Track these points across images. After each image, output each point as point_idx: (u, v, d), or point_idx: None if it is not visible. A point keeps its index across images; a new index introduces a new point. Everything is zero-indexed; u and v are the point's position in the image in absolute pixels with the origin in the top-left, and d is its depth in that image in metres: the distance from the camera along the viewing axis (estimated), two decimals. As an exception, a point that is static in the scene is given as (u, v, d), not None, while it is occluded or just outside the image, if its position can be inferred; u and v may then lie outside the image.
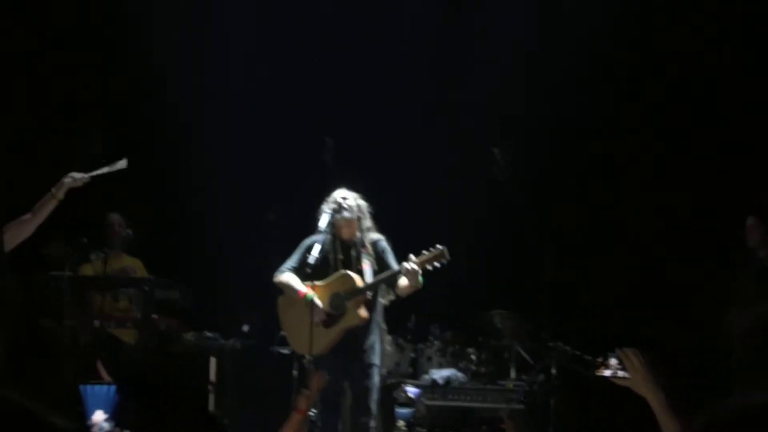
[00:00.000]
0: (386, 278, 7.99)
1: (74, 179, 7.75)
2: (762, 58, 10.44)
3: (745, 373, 8.76)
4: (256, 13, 11.49)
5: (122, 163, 8.05)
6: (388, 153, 10.99)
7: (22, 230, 7.57)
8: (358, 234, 8.15)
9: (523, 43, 11.00)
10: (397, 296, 8.14)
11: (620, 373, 3.82)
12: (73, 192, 7.83)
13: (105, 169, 7.97)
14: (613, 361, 3.85)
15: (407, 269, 7.74)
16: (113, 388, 5.44)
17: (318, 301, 7.99)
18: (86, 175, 7.81)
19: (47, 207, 7.62)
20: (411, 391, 6.38)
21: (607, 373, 3.85)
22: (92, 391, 5.41)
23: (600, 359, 3.86)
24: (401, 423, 4.84)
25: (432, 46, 11.37)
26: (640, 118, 10.99)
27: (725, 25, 10.51)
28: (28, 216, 7.55)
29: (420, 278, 7.80)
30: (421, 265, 7.76)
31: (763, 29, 10.35)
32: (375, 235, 8.22)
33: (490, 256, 10.96)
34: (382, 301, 8.24)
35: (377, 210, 8.28)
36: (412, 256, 7.79)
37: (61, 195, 7.67)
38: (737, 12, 10.50)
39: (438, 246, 7.78)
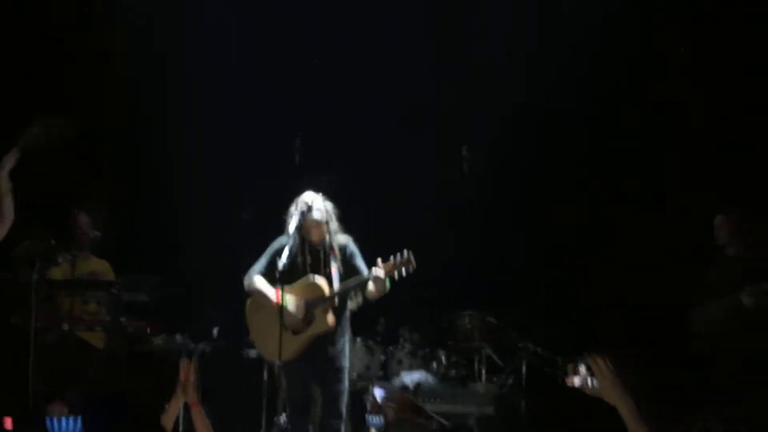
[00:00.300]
0: (354, 285, 7.99)
1: (6, 161, 7.65)
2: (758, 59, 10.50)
3: (720, 364, 8.82)
4: (236, 12, 11.46)
5: (51, 123, 7.91)
6: (358, 152, 10.98)
7: None
8: (326, 237, 8.13)
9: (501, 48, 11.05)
10: (366, 300, 8.14)
11: (589, 380, 3.82)
12: (39, 192, 7.82)
13: (35, 138, 7.83)
14: (582, 368, 3.84)
15: (375, 276, 7.76)
16: (78, 419, 5.37)
17: (292, 307, 7.96)
18: (14, 151, 7.72)
19: (5, 205, 7.67)
20: (377, 392, 6.40)
21: (576, 381, 3.84)
22: (58, 424, 5.34)
23: (570, 365, 3.85)
24: (373, 431, 4.84)
25: (407, 48, 11.35)
26: (613, 122, 11.04)
27: (723, 25, 10.55)
28: None
29: (387, 283, 7.81)
30: (389, 271, 7.77)
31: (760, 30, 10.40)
32: (342, 238, 8.21)
33: (459, 257, 10.95)
34: (351, 305, 8.23)
35: (345, 211, 8.26)
36: (379, 261, 7.80)
37: (7, 185, 7.60)
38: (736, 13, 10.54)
39: (405, 252, 7.78)
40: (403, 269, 7.79)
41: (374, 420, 5.12)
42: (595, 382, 3.82)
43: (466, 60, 11.12)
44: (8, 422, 6.18)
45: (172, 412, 5.71)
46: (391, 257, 7.80)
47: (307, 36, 11.34)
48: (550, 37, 10.81)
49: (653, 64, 10.73)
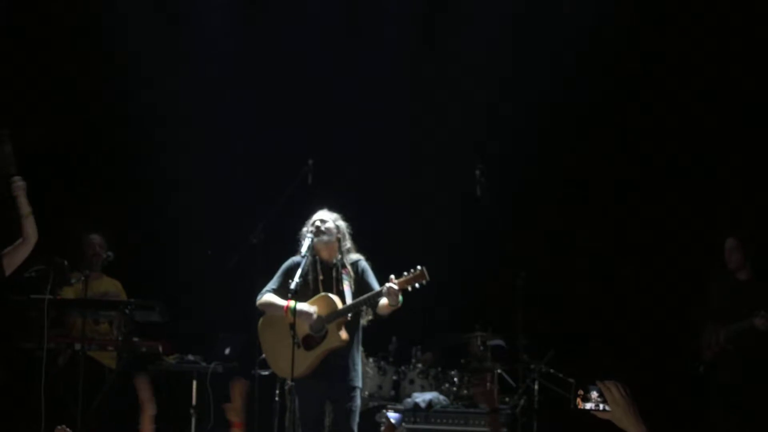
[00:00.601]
0: (367, 299, 7.98)
1: (21, 188, 7.73)
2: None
3: (723, 386, 8.81)
4: (238, 29, 11.50)
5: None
6: (367, 173, 11.00)
7: (18, 254, 7.80)
8: (338, 255, 8.14)
9: (498, 62, 11.07)
10: (377, 316, 8.13)
11: (601, 406, 3.80)
12: (51, 214, 7.89)
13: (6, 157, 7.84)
14: (593, 394, 3.83)
15: (388, 290, 7.76)
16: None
17: (303, 306, 7.94)
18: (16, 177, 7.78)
19: (28, 227, 7.75)
20: (392, 416, 6.37)
21: (588, 406, 3.83)
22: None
23: (580, 391, 3.84)
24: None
25: (407, 68, 11.39)
26: (607, 140, 11.07)
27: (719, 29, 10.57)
28: (20, 241, 7.77)
29: (399, 297, 7.81)
30: (402, 285, 7.77)
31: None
32: (354, 256, 8.21)
33: (469, 278, 10.95)
34: (362, 321, 8.23)
35: (357, 229, 8.28)
36: (392, 277, 7.80)
37: (27, 209, 7.74)
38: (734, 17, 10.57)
39: (418, 267, 7.79)
40: (416, 283, 7.80)
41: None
42: (606, 407, 3.81)
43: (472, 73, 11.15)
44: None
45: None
46: (405, 273, 7.81)
47: (311, 54, 11.36)
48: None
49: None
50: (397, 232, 10.97)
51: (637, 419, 3.78)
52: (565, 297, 10.81)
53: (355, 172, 10.91)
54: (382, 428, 6.24)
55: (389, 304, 7.84)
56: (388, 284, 7.78)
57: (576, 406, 3.82)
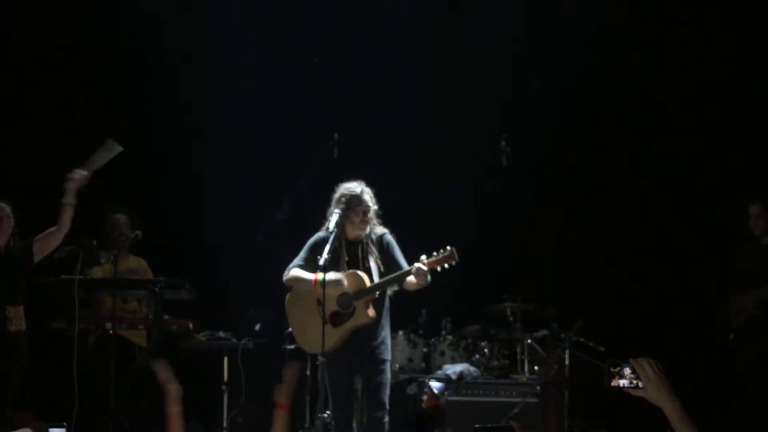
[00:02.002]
0: (395, 278, 7.98)
1: (75, 180, 7.94)
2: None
3: (748, 354, 8.80)
4: (258, 10, 11.46)
5: (115, 147, 8.27)
6: (391, 146, 10.96)
7: (50, 241, 8.23)
8: (367, 229, 8.14)
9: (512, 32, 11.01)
10: (403, 290, 8.14)
11: (634, 383, 3.78)
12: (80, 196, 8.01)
13: (102, 159, 8.19)
14: (627, 371, 3.81)
15: (417, 270, 7.76)
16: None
17: (331, 274, 7.94)
18: (85, 172, 7.96)
19: (66, 217, 8.13)
20: (435, 386, 6.38)
21: (620, 383, 3.81)
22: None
23: (613, 369, 3.82)
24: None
25: (432, 41, 11.33)
26: (637, 110, 11.01)
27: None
28: (53, 228, 8.16)
29: (428, 277, 7.81)
30: (431, 266, 7.77)
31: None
32: (380, 230, 8.21)
33: (496, 248, 10.92)
34: (388, 293, 8.23)
35: (382, 203, 8.27)
36: (423, 258, 7.80)
37: (72, 200, 8.00)
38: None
39: (448, 247, 7.78)
40: (446, 264, 7.80)
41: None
42: (640, 383, 3.78)
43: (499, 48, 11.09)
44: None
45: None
46: (434, 253, 7.80)
47: (335, 27, 11.32)
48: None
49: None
50: (423, 206, 10.94)
51: (670, 395, 3.76)
52: (593, 266, 10.77)
53: (381, 146, 10.86)
54: (425, 398, 6.26)
55: (417, 284, 7.85)
56: (417, 264, 7.79)
57: (609, 384, 3.81)
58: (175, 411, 5.87)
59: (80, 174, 8.17)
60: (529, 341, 10.07)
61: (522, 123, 10.57)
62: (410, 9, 11.35)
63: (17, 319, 8.25)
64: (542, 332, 10.03)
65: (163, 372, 5.92)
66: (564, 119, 11.00)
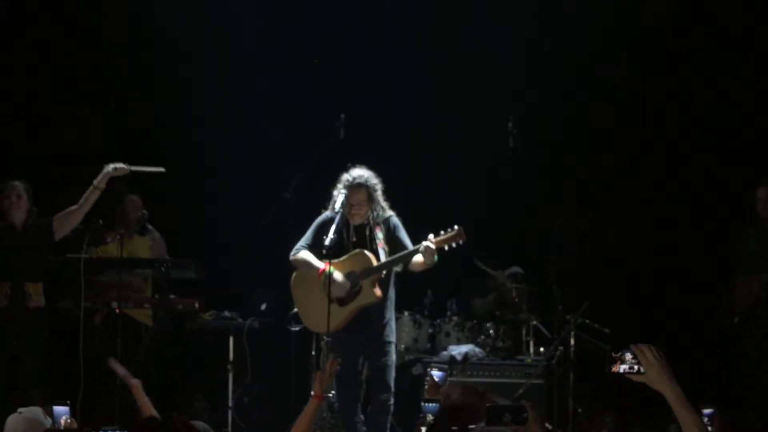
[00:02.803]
0: (402, 257, 8.00)
1: (116, 169, 8.32)
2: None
3: (754, 337, 8.82)
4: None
5: (160, 169, 8.57)
6: (400, 128, 10.95)
7: (69, 220, 8.42)
8: (369, 213, 8.14)
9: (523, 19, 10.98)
10: (408, 271, 8.15)
11: (636, 368, 3.79)
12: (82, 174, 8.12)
13: (146, 168, 8.55)
14: (628, 356, 3.81)
15: (425, 249, 7.76)
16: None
17: (338, 275, 7.97)
18: (127, 167, 8.40)
19: (91, 198, 8.36)
20: (436, 374, 6.36)
21: (621, 369, 3.81)
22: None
23: (615, 354, 3.83)
24: (430, 417, 4.87)
25: (442, 22, 11.30)
26: (643, 95, 10.99)
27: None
28: (74, 207, 8.36)
29: (435, 257, 7.82)
30: (439, 244, 7.78)
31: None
32: (386, 212, 8.22)
33: (503, 229, 10.91)
34: (393, 276, 8.25)
35: (389, 185, 8.27)
36: (431, 236, 7.81)
37: (102, 185, 8.35)
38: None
39: (455, 227, 7.80)
40: (453, 242, 7.82)
41: (430, 407, 5.15)
42: (641, 368, 3.79)
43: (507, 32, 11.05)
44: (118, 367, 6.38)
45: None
46: (442, 231, 7.82)
47: (346, 7, 11.29)
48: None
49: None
50: (430, 187, 10.93)
51: (671, 380, 3.77)
52: (599, 248, 10.76)
53: (388, 127, 10.84)
54: (426, 386, 6.27)
55: (424, 263, 7.86)
56: (425, 243, 7.80)
57: (611, 369, 3.81)
58: (145, 402, 5.92)
59: (121, 166, 8.39)
60: (534, 323, 10.07)
61: (531, 107, 10.55)
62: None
63: (36, 295, 8.42)
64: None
65: (119, 368, 6.00)
66: (572, 104, 10.95)
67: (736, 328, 9.38)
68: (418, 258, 7.92)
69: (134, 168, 8.48)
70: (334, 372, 5.98)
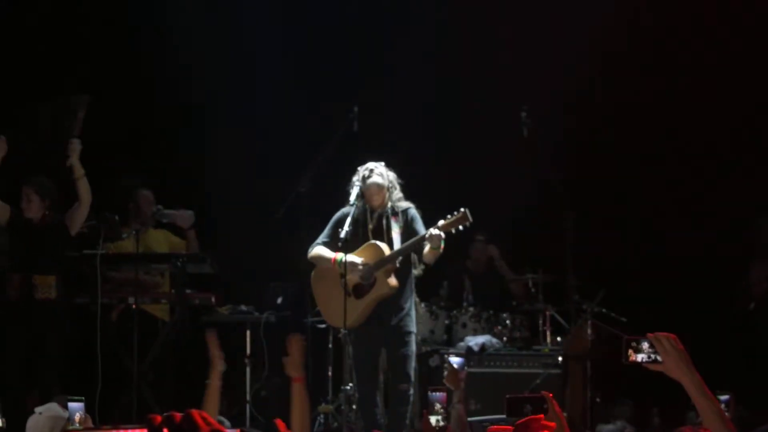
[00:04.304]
0: (411, 245, 8.01)
1: (76, 152, 8.43)
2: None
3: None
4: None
5: (82, 99, 8.61)
6: (415, 122, 10.93)
7: (76, 216, 8.51)
8: (388, 203, 8.16)
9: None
10: (425, 264, 8.17)
11: (653, 357, 3.78)
12: (97, 169, 8.14)
13: (79, 117, 8.54)
14: (645, 345, 3.80)
15: (430, 235, 7.79)
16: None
17: (352, 257, 7.97)
18: (76, 139, 8.47)
19: (83, 190, 8.42)
20: (455, 361, 6.36)
21: (639, 358, 3.80)
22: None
23: (632, 344, 3.81)
24: (438, 407, 4.85)
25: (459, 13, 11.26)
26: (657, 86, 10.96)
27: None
28: (76, 204, 8.49)
29: (441, 242, 7.83)
30: (446, 228, 7.81)
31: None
32: (405, 204, 8.24)
33: (518, 219, 10.89)
34: (414, 271, 8.25)
35: (403, 176, 8.28)
36: (440, 223, 7.85)
37: (81, 171, 8.42)
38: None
39: (461, 209, 7.82)
40: (460, 225, 7.84)
41: (436, 396, 5.14)
42: (658, 358, 3.78)
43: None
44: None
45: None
46: (448, 215, 7.85)
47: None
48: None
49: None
50: (445, 179, 10.92)
51: (690, 369, 3.76)
52: (615, 236, 10.74)
53: (402, 119, 10.83)
54: (445, 373, 6.27)
55: (431, 248, 7.87)
56: (432, 229, 7.83)
57: (628, 359, 3.80)
58: (216, 386, 5.92)
59: (76, 143, 8.44)
60: (551, 312, 10.06)
61: (546, 97, 10.51)
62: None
63: (44, 287, 8.42)
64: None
65: (214, 346, 5.98)
66: (587, 93, 10.91)
67: (752, 314, 9.37)
68: (426, 247, 7.95)
69: (77, 129, 8.49)
70: (297, 350, 5.88)
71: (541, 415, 3.89)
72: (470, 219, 7.85)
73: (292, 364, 5.84)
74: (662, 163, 10.88)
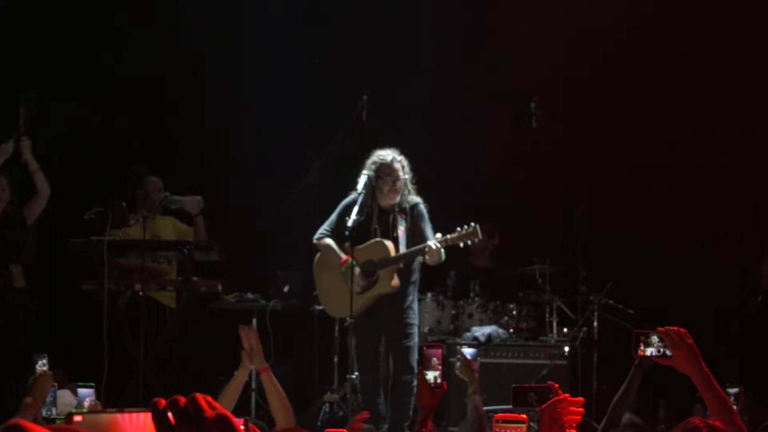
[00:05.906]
0: (414, 252, 8.03)
1: (27, 147, 8.68)
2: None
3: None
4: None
5: (30, 95, 8.76)
6: (423, 112, 10.90)
7: (34, 208, 8.82)
8: (397, 197, 8.15)
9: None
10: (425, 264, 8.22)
11: (662, 351, 3.77)
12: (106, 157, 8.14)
13: (27, 115, 8.68)
14: (654, 339, 3.79)
15: (428, 250, 7.80)
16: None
17: (356, 270, 8.00)
18: (24, 135, 8.67)
19: (40, 182, 8.73)
20: (467, 351, 6.35)
21: (648, 352, 3.79)
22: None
23: (642, 337, 3.81)
24: (435, 361, 4.74)
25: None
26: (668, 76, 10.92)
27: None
28: (36, 196, 8.81)
29: (442, 254, 7.84)
30: (454, 242, 7.83)
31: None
32: (413, 199, 8.21)
33: (528, 210, 10.87)
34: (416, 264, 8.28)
35: (411, 166, 8.27)
36: (438, 236, 7.85)
37: (35, 165, 8.70)
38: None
39: (472, 224, 7.80)
40: (468, 240, 7.85)
41: (433, 351, 4.96)
42: (668, 352, 3.77)
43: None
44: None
45: (240, 379, 5.74)
46: (458, 228, 7.83)
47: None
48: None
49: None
50: (453, 168, 10.89)
51: (699, 364, 3.75)
52: (624, 229, 10.71)
53: (410, 108, 10.80)
54: (458, 364, 6.26)
55: (430, 260, 7.92)
56: (429, 243, 7.84)
57: (637, 353, 3.79)
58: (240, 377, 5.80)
59: (25, 140, 8.66)
60: (557, 304, 10.04)
61: (556, 85, 10.49)
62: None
63: (18, 276, 8.76)
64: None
65: (251, 340, 5.81)
66: (598, 82, 10.88)
67: (761, 307, 9.34)
68: (426, 256, 8.01)
69: (25, 125, 8.65)
70: (252, 341, 5.76)
71: (567, 394, 3.87)
72: (479, 236, 7.86)
73: (253, 356, 5.72)
74: (673, 153, 10.84)
